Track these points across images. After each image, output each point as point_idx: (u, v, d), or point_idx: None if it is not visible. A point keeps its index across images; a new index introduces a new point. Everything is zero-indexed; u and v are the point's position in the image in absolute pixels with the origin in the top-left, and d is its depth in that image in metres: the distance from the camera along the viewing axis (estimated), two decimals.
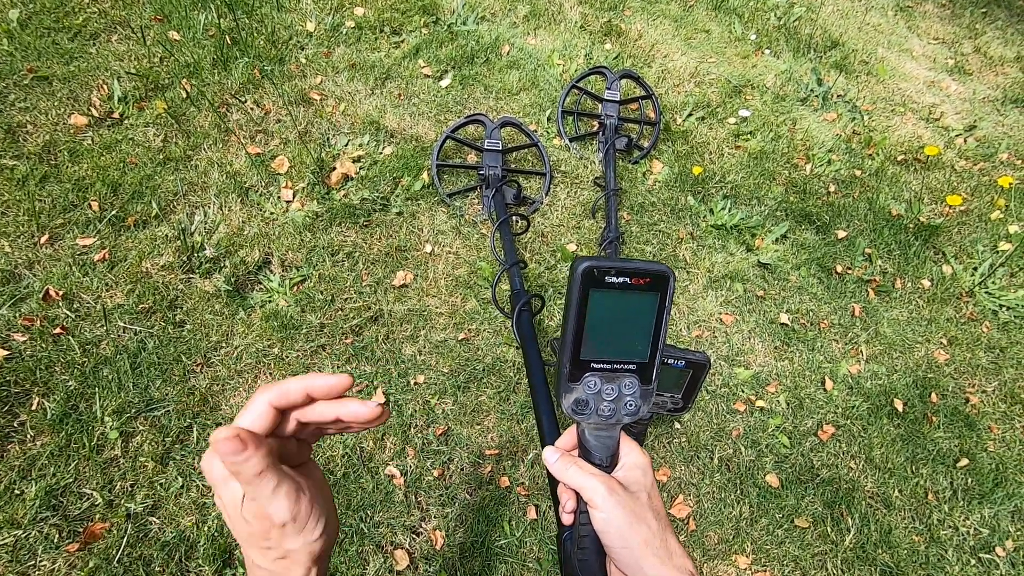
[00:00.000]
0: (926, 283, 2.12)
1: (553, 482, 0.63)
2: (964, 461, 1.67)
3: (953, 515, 1.58)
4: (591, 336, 0.52)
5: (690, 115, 2.59)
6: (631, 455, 0.56)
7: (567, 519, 0.57)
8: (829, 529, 1.50)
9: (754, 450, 1.62)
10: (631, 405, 0.54)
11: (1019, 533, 1.56)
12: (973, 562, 1.50)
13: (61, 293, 1.55)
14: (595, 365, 0.53)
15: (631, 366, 0.54)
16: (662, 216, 2.15)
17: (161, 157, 1.91)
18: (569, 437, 0.59)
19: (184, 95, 2.08)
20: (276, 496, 0.40)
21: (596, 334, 0.52)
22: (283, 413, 0.43)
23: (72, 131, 1.91)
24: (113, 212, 1.73)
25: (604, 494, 0.52)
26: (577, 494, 0.55)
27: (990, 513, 1.58)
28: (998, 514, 1.59)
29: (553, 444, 0.60)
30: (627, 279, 0.51)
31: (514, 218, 1.93)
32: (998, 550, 1.52)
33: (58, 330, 1.48)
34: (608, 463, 0.55)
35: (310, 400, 0.43)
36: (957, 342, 1.97)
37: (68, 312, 1.52)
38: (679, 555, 0.52)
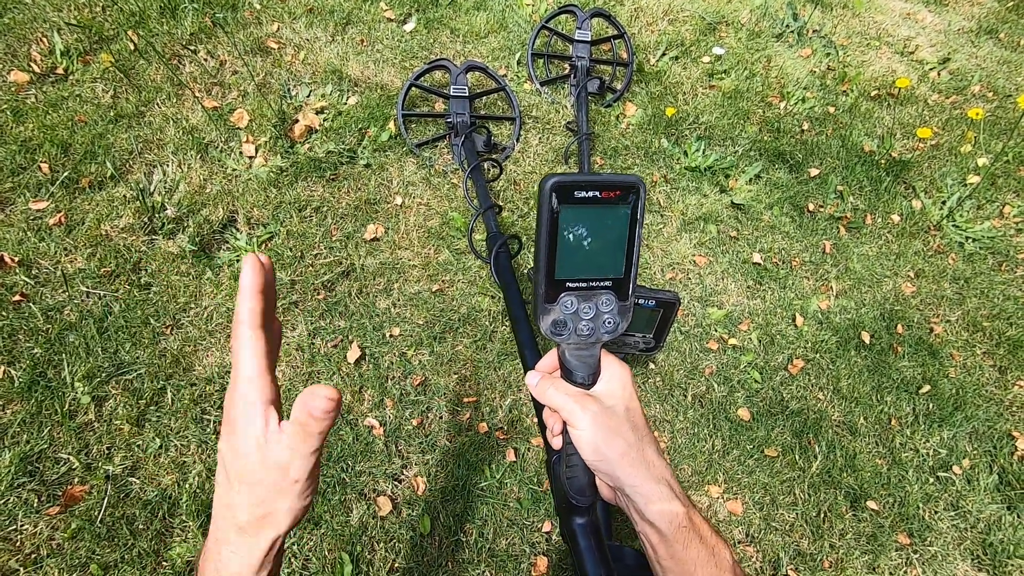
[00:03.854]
0: (896, 218, 2.15)
1: (539, 408, 0.65)
2: (926, 387, 1.74)
3: (914, 438, 1.65)
4: (564, 255, 0.51)
5: (664, 55, 2.52)
6: (610, 369, 0.56)
7: (556, 443, 0.58)
8: (797, 457, 1.57)
9: (726, 386, 1.66)
10: (610, 322, 0.54)
11: (975, 452, 1.64)
12: (932, 480, 1.58)
13: (17, 259, 1.50)
14: (571, 284, 0.52)
15: (607, 283, 0.53)
16: (636, 160, 2.13)
17: (112, 114, 1.82)
18: (551, 359, 0.59)
19: (132, 47, 1.97)
20: (310, 458, 0.43)
21: (569, 252, 0.51)
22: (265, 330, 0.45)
23: (13, 89, 1.80)
24: (65, 174, 1.66)
25: (579, 411, 0.53)
26: None
27: (949, 435, 1.66)
28: (956, 436, 1.66)
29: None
30: (597, 193, 0.49)
31: (486, 164, 1.89)
32: (955, 468, 1.61)
33: (17, 297, 1.44)
34: (591, 381, 0.55)
35: (263, 298, 0.44)
36: (924, 274, 2.01)
37: (27, 279, 1.48)
38: (657, 465, 0.53)
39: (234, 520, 0.44)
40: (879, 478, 1.57)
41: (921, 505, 1.54)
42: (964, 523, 1.52)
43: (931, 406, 1.71)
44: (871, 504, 1.52)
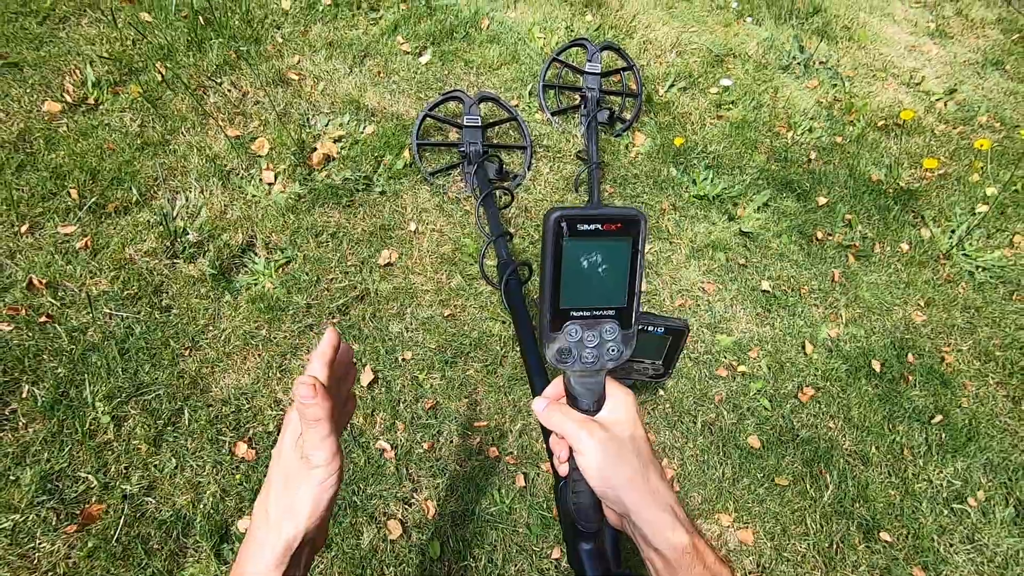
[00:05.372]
0: (904, 247, 2.16)
1: (547, 435, 0.66)
2: (939, 417, 1.73)
3: (927, 469, 1.63)
4: (568, 285, 0.53)
5: (672, 86, 2.58)
6: (615, 396, 0.57)
7: (563, 470, 0.59)
8: (808, 486, 1.56)
9: (736, 413, 1.66)
10: (613, 350, 0.55)
11: (990, 484, 1.63)
12: (946, 512, 1.56)
13: (45, 282, 1.55)
14: (575, 313, 0.54)
15: (610, 312, 0.55)
16: (645, 188, 2.17)
17: (139, 142, 1.89)
18: (557, 387, 0.60)
19: (159, 78, 2.05)
20: (323, 444, 0.49)
21: (573, 282, 0.53)
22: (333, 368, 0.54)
23: (47, 118, 1.88)
24: (93, 199, 1.72)
25: (585, 437, 0.54)
26: None
27: (963, 466, 1.64)
28: (970, 467, 1.65)
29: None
30: (599, 225, 0.51)
31: (498, 192, 1.93)
32: (970, 500, 1.59)
33: (43, 318, 1.49)
34: (595, 408, 0.56)
35: (336, 352, 0.54)
36: (934, 303, 2.01)
37: (53, 300, 1.52)
38: (662, 492, 0.54)
39: (265, 516, 0.50)
40: (892, 509, 1.55)
41: (936, 537, 1.52)
42: (980, 557, 1.50)
43: (944, 436, 1.69)
44: (884, 535, 1.50)
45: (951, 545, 1.51)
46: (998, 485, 1.63)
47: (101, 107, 1.96)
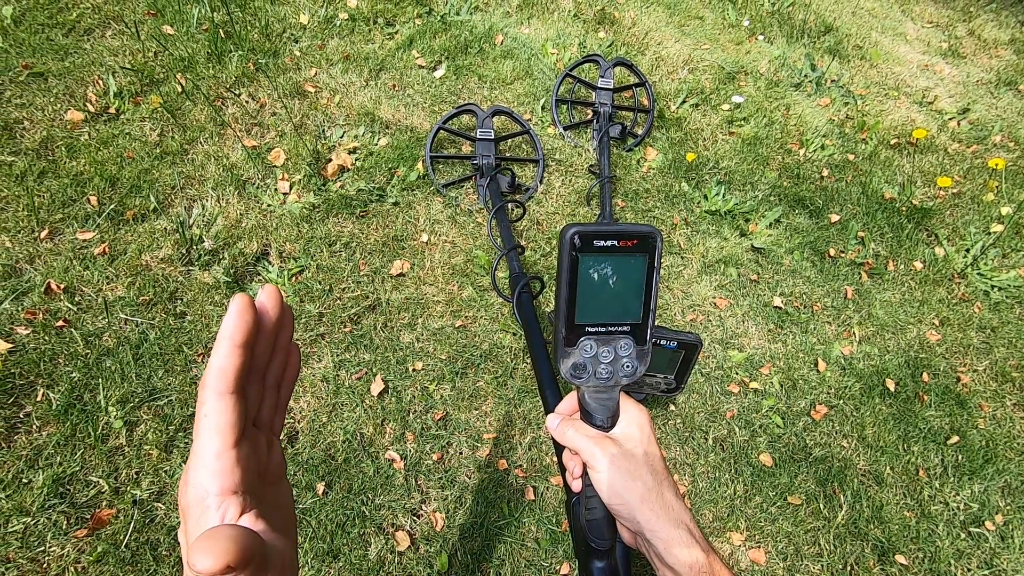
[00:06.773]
0: (918, 265, 2.15)
1: (560, 450, 0.65)
2: (955, 438, 1.70)
3: (944, 491, 1.60)
4: (584, 300, 0.53)
5: (684, 102, 2.60)
6: (629, 412, 0.57)
7: (576, 486, 0.58)
8: (822, 506, 1.53)
9: (748, 430, 1.64)
10: (628, 366, 0.55)
11: (1008, 508, 1.59)
12: (963, 536, 1.53)
13: (62, 287, 1.57)
14: (590, 329, 0.54)
15: (625, 328, 0.55)
16: (656, 203, 2.17)
17: (158, 151, 1.92)
18: (570, 402, 0.60)
19: (179, 89, 2.09)
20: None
21: (589, 298, 0.53)
22: (242, 393, 0.36)
23: (69, 127, 1.92)
24: (112, 206, 1.74)
25: (599, 454, 0.53)
26: None
27: (980, 488, 1.61)
28: (988, 489, 1.61)
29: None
30: (615, 242, 0.52)
31: (510, 205, 1.94)
32: (988, 524, 1.55)
33: (60, 323, 1.50)
34: (609, 424, 0.56)
35: (247, 354, 0.35)
36: (949, 322, 1.99)
37: (70, 305, 1.54)
38: (676, 509, 0.53)
39: None
40: (908, 531, 1.52)
41: (953, 562, 1.48)
42: None
43: (960, 458, 1.67)
44: (900, 558, 1.47)
45: (968, 570, 1.48)
46: (1016, 509, 1.59)
47: (122, 116, 2.00)
